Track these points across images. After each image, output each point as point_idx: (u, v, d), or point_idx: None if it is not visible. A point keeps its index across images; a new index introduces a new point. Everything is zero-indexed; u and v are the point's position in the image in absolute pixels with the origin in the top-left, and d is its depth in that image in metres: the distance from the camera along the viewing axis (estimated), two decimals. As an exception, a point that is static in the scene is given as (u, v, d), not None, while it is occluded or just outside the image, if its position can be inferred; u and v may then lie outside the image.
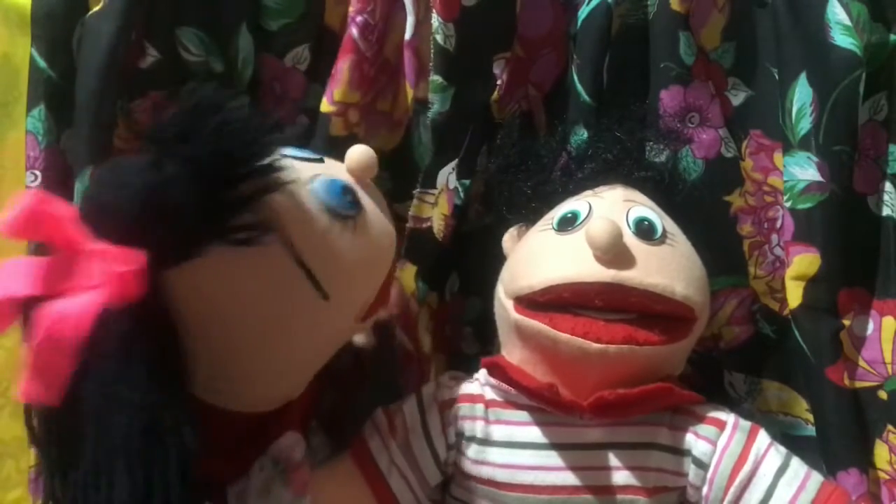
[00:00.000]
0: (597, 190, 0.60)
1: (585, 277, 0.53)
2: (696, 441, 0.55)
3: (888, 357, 0.63)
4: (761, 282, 0.67)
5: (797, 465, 0.55)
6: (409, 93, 0.66)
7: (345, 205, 0.51)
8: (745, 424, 0.56)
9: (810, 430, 0.65)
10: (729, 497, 0.54)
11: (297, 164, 0.51)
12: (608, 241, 0.52)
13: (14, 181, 0.65)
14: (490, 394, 0.58)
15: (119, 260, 0.40)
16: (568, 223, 0.57)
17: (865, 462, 0.62)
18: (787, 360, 0.66)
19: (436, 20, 0.63)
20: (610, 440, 0.55)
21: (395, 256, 0.57)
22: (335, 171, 0.54)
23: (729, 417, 0.56)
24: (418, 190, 0.66)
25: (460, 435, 0.57)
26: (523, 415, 0.56)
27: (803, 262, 0.62)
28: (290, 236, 0.47)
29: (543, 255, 0.56)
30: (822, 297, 0.62)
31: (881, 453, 0.62)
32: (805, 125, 0.62)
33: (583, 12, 0.66)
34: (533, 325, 0.54)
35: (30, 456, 0.66)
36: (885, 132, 0.64)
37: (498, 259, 0.62)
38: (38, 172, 0.63)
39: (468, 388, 0.58)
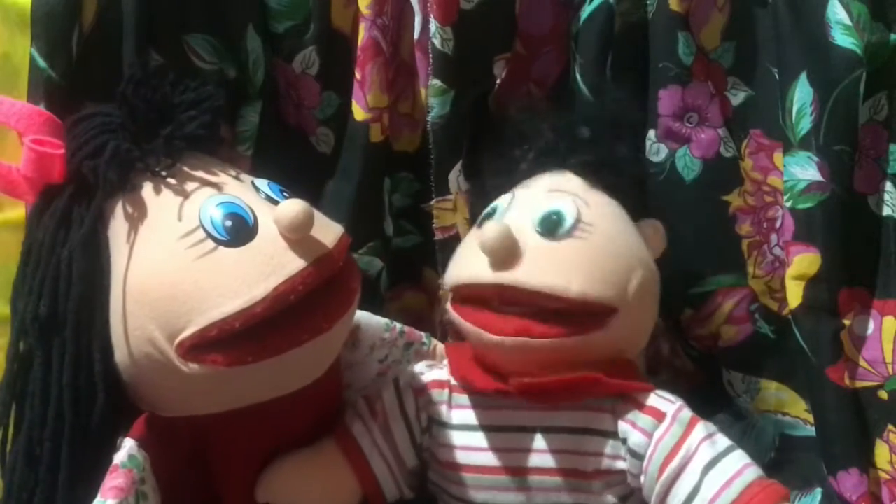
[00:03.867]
0: (530, 180, 0.61)
1: (477, 279, 0.55)
2: (632, 431, 0.55)
3: (888, 357, 0.63)
4: (760, 281, 0.67)
5: (730, 462, 0.53)
6: (423, 92, 0.66)
7: (215, 226, 0.48)
8: (685, 416, 0.55)
9: (809, 430, 0.65)
10: (657, 490, 0.54)
11: (250, 194, 0.51)
12: (493, 245, 0.54)
13: (14, 181, 0.65)
14: (453, 379, 0.59)
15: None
16: (486, 218, 0.59)
17: (866, 462, 0.62)
18: (786, 360, 0.66)
19: (433, 24, 0.63)
20: (555, 424, 0.56)
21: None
22: (265, 212, 0.50)
23: (669, 408, 0.55)
24: (434, 200, 0.67)
25: (431, 419, 0.59)
26: (475, 399, 0.58)
27: (804, 261, 0.62)
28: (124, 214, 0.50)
29: (459, 253, 0.60)
30: (822, 296, 0.62)
31: (882, 453, 0.62)
32: (805, 125, 0.62)
33: (585, 11, 0.66)
34: (454, 316, 0.58)
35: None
36: (885, 132, 0.63)
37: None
38: (38, 172, 0.63)
39: (438, 374, 0.60)
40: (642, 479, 0.55)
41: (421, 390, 0.59)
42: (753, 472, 0.53)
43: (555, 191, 0.59)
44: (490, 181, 0.64)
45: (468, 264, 0.57)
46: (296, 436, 0.57)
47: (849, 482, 0.61)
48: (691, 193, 0.62)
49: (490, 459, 0.57)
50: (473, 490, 0.57)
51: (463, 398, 0.58)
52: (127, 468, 0.49)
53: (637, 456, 0.55)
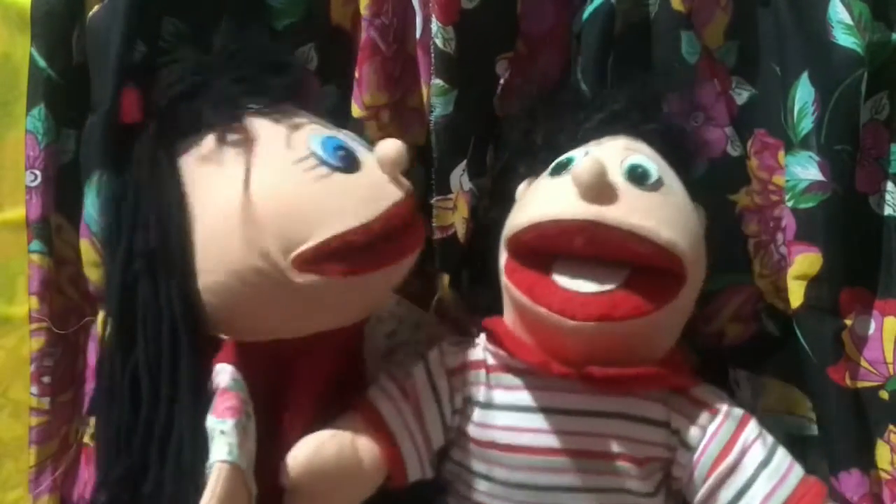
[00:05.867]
0: (601, 140, 0.59)
1: (567, 214, 0.53)
2: (686, 423, 0.57)
3: (889, 357, 0.63)
4: (766, 281, 0.67)
5: (780, 459, 0.56)
6: (425, 91, 0.66)
7: (328, 155, 0.54)
8: (737, 412, 0.57)
9: (814, 430, 0.64)
10: (709, 482, 0.55)
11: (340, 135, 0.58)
12: (590, 177, 0.52)
13: (14, 181, 0.65)
14: (490, 359, 0.59)
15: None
16: (562, 167, 0.57)
17: (867, 462, 0.62)
18: (791, 360, 0.65)
19: (435, 24, 0.63)
20: (606, 409, 0.56)
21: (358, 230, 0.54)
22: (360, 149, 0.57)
23: (722, 404, 0.57)
24: (435, 199, 0.67)
25: (467, 400, 0.58)
26: (523, 379, 0.57)
27: (805, 261, 0.62)
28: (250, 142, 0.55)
29: (533, 196, 0.57)
30: (823, 296, 0.62)
31: (883, 453, 0.62)
32: (807, 124, 0.61)
33: (586, 10, 0.66)
34: (515, 293, 0.55)
35: (30, 456, 0.66)
36: (886, 132, 0.63)
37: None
38: (37, 172, 0.63)
39: (472, 354, 0.59)
40: (689, 470, 0.56)
41: (455, 371, 0.59)
42: (800, 469, 0.56)
43: (630, 149, 0.57)
44: (538, 142, 0.62)
45: (551, 202, 0.54)
46: (332, 374, 0.60)
47: (850, 482, 0.61)
48: (698, 192, 0.61)
49: (538, 440, 0.56)
50: (513, 470, 0.56)
51: (506, 378, 0.58)
52: (234, 390, 0.52)
53: (689, 448, 0.56)
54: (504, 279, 0.57)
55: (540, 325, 0.55)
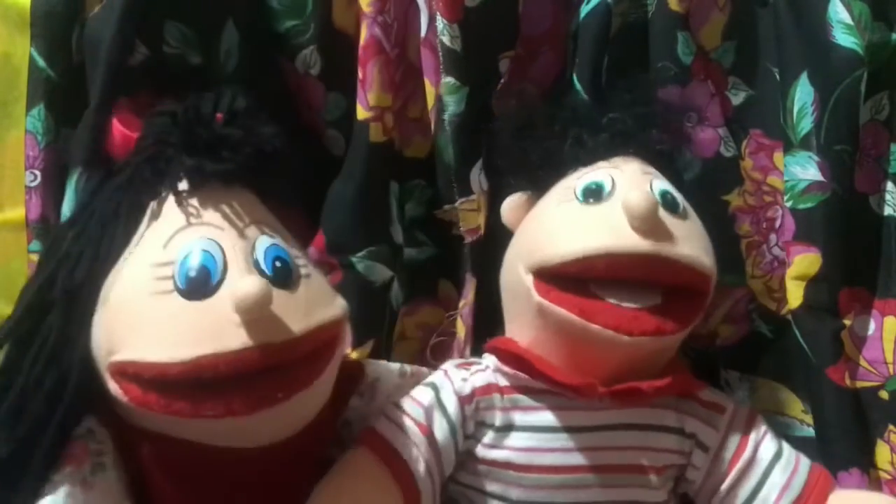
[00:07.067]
0: (612, 161, 0.58)
1: (625, 248, 0.52)
2: (700, 425, 0.58)
3: (889, 357, 0.63)
4: (758, 281, 0.67)
5: (789, 450, 0.58)
6: (431, 91, 0.66)
7: (183, 270, 0.47)
8: (745, 410, 0.59)
9: (806, 431, 0.65)
10: (730, 479, 0.57)
11: (240, 252, 0.50)
12: (648, 211, 0.51)
13: (14, 181, 0.65)
14: (503, 381, 0.58)
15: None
16: (593, 194, 0.56)
17: (867, 462, 0.62)
18: (783, 360, 0.66)
19: (440, 22, 0.63)
20: (623, 422, 0.56)
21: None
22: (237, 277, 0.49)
23: (729, 403, 0.59)
24: (459, 201, 0.66)
25: (480, 424, 0.57)
26: (542, 400, 0.57)
27: (804, 261, 0.62)
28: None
29: (573, 225, 0.55)
30: (823, 296, 0.62)
31: (882, 453, 0.62)
32: (806, 125, 0.62)
33: (583, 11, 0.66)
34: (561, 313, 0.53)
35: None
36: (886, 132, 0.63)
37: (497, 260, 0.61)
38: (37, 172, 0.63)
39: (482, 378, 0.58)
40: (706, 471, 0.57)
41: (466, 399, 0.57)
42: (806, 459, 0.58)
43: (648, 173, 0.58)
44: (539, 162, 0.60)
45: (602, 233, 0.53)
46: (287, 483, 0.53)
47: (850, 482, 0.61)
48: (691, 193, 0.61)
49: (560, 459, 0.55)
50: (531, 490, 0.55)
51: (522, 399, 0.57)
52: (82, 440, 0.50)
53: (705, 448, 0.57)
54: (538, 299, 0.54)
55: (585, 342, 0.53)
